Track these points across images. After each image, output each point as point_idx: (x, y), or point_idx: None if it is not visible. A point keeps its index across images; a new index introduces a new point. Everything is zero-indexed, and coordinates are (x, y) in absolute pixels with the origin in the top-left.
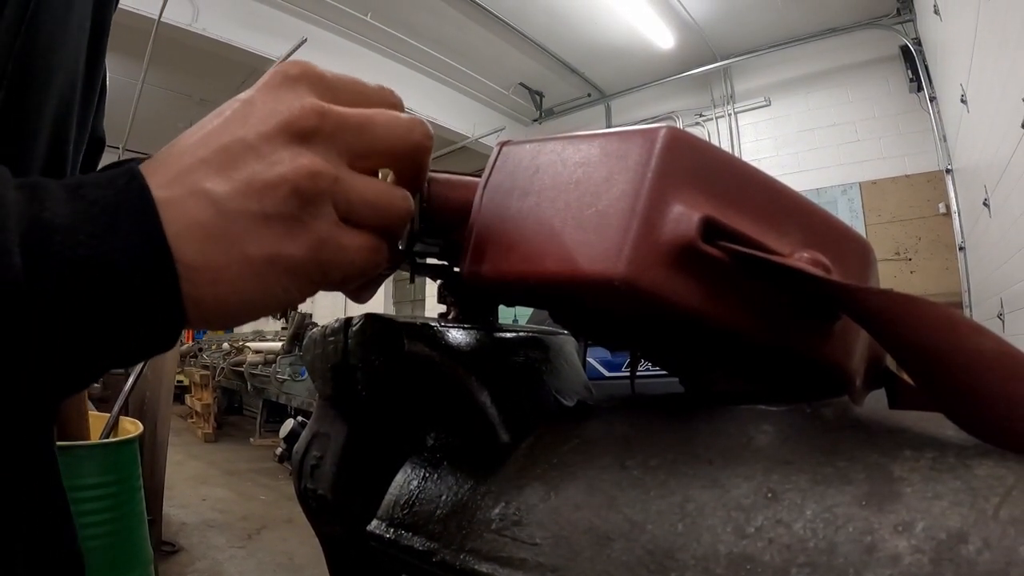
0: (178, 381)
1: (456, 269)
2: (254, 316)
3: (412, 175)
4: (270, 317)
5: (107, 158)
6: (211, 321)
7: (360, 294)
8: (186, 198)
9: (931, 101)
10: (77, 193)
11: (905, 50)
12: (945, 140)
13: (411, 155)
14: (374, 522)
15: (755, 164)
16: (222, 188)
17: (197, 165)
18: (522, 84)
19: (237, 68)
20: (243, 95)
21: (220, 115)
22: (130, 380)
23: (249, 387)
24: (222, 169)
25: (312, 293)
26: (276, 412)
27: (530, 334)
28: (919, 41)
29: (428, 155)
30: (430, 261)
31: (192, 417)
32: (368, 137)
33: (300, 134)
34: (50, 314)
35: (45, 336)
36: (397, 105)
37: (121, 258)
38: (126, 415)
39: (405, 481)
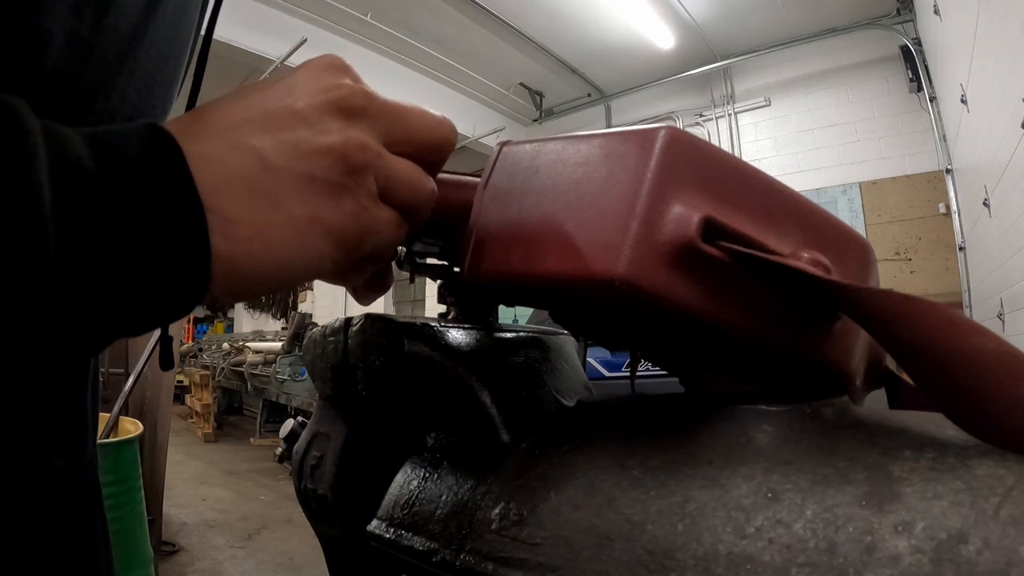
0: (178, 381)
1: (456, 269)
2: (285, 281)
3: (432, 169)
4: (270, 317)
5: None
6: (240, 283)
7: (365, 297)
8: (228, 152)
9: (931, 101)
10: (95, 139)
11: (905, 50)
12: (945, 140)
13: (437, 149)
14: (374, 522)
15: (755, 164)
16: (270, 146)
17: (240, 124)
18: (522, 84)
19: (237, 68)
20: (282, 76)
21: (262, 87)
22: (130, 380)
23: (249, 387)
24: (268, 130)
25: (343, 263)
26: (276, 412)
27: (530, 334)
28: (919, 41)
29: (450, 151)
30: (430, 261)
31: (192, 417)
32: (404, 124)
33: (349, 111)
34: (72, 262)
35: (63, 288)
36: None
37: (152, 208)
38: (126, 415)
39: (405, 481)
